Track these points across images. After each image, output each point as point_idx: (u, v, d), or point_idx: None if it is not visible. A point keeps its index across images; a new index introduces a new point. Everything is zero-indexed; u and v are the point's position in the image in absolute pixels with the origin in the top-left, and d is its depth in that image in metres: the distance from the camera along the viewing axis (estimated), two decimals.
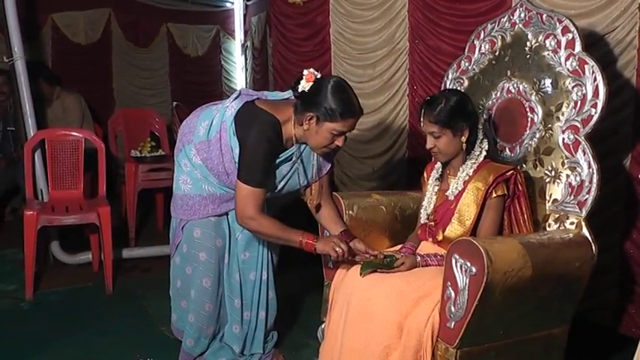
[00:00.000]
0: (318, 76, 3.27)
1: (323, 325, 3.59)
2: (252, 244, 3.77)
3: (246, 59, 9.51)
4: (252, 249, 3.77)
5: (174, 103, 8.65)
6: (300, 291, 4.98)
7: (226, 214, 3.70)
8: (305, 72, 3.26)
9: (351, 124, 3.28)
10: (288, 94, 3.53)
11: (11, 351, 4.12)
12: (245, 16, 9.34)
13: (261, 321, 3.88)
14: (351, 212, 3.63)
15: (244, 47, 9.51)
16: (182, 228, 3.65)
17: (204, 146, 3.51)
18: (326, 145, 3.33)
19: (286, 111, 3.37)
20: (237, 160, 3.36)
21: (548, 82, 3.34)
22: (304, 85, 3.24)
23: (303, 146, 3.49)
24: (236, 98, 3.51)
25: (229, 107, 3.46)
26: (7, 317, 4.72)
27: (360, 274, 3.12)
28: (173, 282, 3.86)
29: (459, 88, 3.87)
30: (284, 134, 3.37)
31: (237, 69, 9.93)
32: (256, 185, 3.30)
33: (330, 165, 3.66)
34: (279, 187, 3.53)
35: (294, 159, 3.47)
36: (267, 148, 3.31)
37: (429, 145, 3.27)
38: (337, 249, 3.20)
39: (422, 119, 3.26)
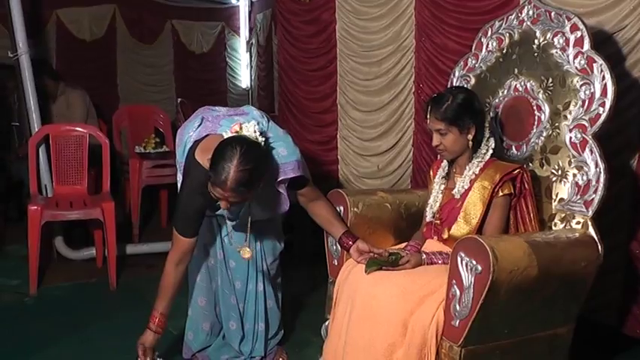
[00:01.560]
0: (247, 132, 3.11)
1: (327, 323, 3.58)
2: (236, 253, 3.73)
3: (251, 56, 9.51)
4: (237, 258, 3.71)
5: (179, 99, 8.65)
6: (304, 288, 4.97)
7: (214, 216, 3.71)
8: (242, 122, 3.18)
9: (220, 193, 3.00)
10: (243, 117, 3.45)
11: (15, 346, 4.13)
12: (250, 13, 9.33)
13: (260, 332, 3.90)
14: (356, 210, 3.61)
15: (249, 44, 9.50)
16: None
17: (180, 165, 3.54)
18: (215, 201, 3.20)
19: None
20: None
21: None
22: (227, 134, 3.14)
23: None
24: (197, 128, 3.48)
25: (191, 139, 3.45)
26: (11, 312, 4.74)
27: (365, 272, 3.12)
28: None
29: (465, 86, 3.85)
30: None
31: (242, 66, 9.94)
32: (184, 235, 3.33)
33: (286, 203, 3.50)
34: (240, 214, 3.54)
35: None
36: (198, 203, 3.30)
37: (435, 143, 3.26)
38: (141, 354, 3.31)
39: (428, 116, 3.24)
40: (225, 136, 3.10)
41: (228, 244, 3.76)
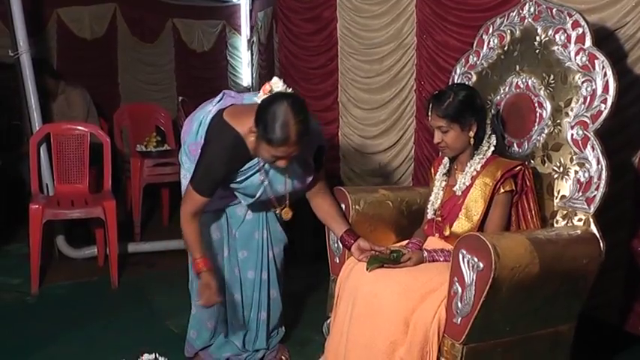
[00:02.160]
0: (278, 88, 3.16)
1: (329, 321, 3.57)
2: (249, 242, 3.77)
3: (252, 55, 9.51)
4: (250, 247, 3.78)
5: (180, 98, 8.63)
6: (305, 286, 4.97)
7: (224, 209, 3.71)
8: (270, 81, 3.20)
9: (284, 151, 3.06)
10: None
11: (16, 345, 4.13)
12: (251, 11, 9.33)
13: (262, 321, 3.89)
14: (357, 207, 3.61)
15: (250, 42, 9.50)
16: None
17: (194, 148, 3.53)
18: (270, 162, 3.24)
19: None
20: None
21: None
22: (260, 97, 3.16)
23: None
24: (218, 102, 3.53)
25: (211, 112, 3.48)
26: (13, 311, 4.74)
27: (367, 269, 3.12)
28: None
29: (466, 83, 3.85)
30: (248, 146, 3.27)
31: (243, 64, 9.96)
32: (201, 193, 3.32)
33: (311, 175, 3.55)
34: (258, 194, 3.49)
35: (260, 168, 3.39)
36: (224, 166, 3.30)
37: (436, 140, 3.25)
38: (209, 292, 3.32)
39: (429, 113, 3.24)
40: (259, 100, 3.14)
41: (236, 236, 3.77)
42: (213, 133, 3.34)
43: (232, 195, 3.58)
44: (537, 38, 3.44)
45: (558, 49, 3.31)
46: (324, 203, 3.59)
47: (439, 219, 3.33)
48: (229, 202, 3.64)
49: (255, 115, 3.08)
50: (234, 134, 3.23)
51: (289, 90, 3.21)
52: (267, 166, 3.36)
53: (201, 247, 3.42)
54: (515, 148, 3.56)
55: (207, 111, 3.51)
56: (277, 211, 3.63)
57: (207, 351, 3.87)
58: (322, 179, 3.62)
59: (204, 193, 3.31)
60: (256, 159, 3.33)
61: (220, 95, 3.58)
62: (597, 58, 3.10)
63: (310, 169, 3.50)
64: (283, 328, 4.07)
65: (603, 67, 3.07)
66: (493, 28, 3.74)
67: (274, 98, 3.07)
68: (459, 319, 2.76)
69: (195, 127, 3.54)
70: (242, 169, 3.35)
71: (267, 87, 3.14)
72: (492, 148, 3.26)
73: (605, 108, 3.04)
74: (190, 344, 3.86)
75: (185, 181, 3.61)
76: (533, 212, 3.20)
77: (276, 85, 3.15)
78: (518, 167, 3.16)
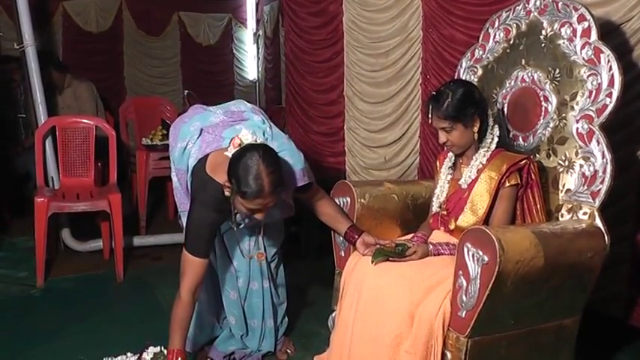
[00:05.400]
0: (247, 140, 3.07)
1: (334, 314, 3.58)
2: (238, 253, 3.77)
3: (258, 48, 9.50)
4: (238, 255, 3.78)
5: (186, 91, 8.63)
6: (311, 279, 4.97)
7: None
8: (237, 135, 3.10)
9: (259, 204, 2.99)
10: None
11: (22, 337, 4.14)
12: (257, 4, 9.32)
13: (269, 329, 3.91)
14: (362, 201, 3.61)
15: (256, 36, 9.50)
16: None
17: (177, 169, 3.53)
18: (247, 216, 3.21)
19: None
20: None
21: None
22: (230, 150, 3.07)
23: None
24: (197, 139, 3.43)
25: (191, 151, 3.40)
26: (18, 304, 4.75)
27: (372, 262, 3.12)
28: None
29: (472, 77, 3.86)
30: None
31: (249, 58, 9.95)
32: (196, 255, 3.22)
33: (292, 212, 3.58)
34: (244, 223, 3.50)
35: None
36: (213, 220, 3.24)
37: (441, 140, 3.25)
38: None
39: (430, 115, 3.23)
40: (229, 154, 3.05)
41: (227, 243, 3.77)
42: (197, 188, 3.28)
43: None
44: (543, 32, 3.44)
45: (564, 42, 3.30)
46: (324, 208, 3.59)
47: (444, 212, 3.33)
48: None
49: (228, 170, 3.02)
50: (219, 189, 3.12)
51: (259, 141, 3.13)
52: None
53: (184, 338, 3.26)
54: (521, 141, 3.55)
55: (188, 146, 3.43)
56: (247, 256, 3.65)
57: (213, 346, 3.87)
58: (317, 190, 3.58)
59: (201, 254, 3.22)
60: None
61: (198, 132, 3.44)
62: (603, 52, 3.09)
63: (289, 207, 3.50)
64: (287, 318, 4.07)
65: (609, 61, 3.06)
66: (499, 21, 3.73)
67: (244, 150, 2.98)
68: (464, 313, 2.76)
69: (180, 149, 3.47)
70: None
71: (236, 140, 3.05)
72: (496, 140, 3.26)
73: (610, 102, 3.04)
74: (193, 341, 3.84)
75: (174, 177, 3.63)
76: (538, 206, 3.20)
77: (246, 137, 3.06)
78: (524, 161, 3.16)
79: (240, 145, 3.03)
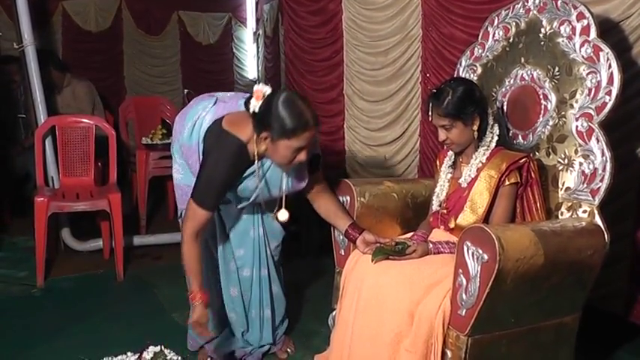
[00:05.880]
0: (268, 92, 3.11)
1: (334, 313, 3.58)
2: (244, 240, 3.77)
3: (258, 47, 9.48)
4: (245, 245, 3.77)
5: (186, 90, 8.61)
6: (311, 278, 4.98)
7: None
8: (254, 88, 3.12)
9: (307, 138, 3.08)
10: None
11: (22, 337, 4.15)
12: (257, 3, 9.30)
13: (267, 319, 3.90)
14: (362, 199, 3.61)
15: (256, 35, 9.48)
16: None
17: (186, 149, 3.52)
18: (287, 163, 3.20)
19: (249, 129, 3.22)
20: None
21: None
22: (254, 105, 3.09)
23: (267, 162, 3.37)
24: (212, 107, 3.49)
25: (205, 118, 3.44)
26: (19, 304, 4.76)
27: (372, 261, 3.12)
28: None
29: (472, 76, 3.86)
30: (250, 152, 3.25)
31: (249, 57, 9.94)
32: (205, 207, 3.24)
33: (305, 178, 3.54)
34: (252, 198, 3.47)
35: (257, 174, 3.35)
36: (227, 174, 3.25)
37: (441, 138, 3.25)
38: (200, 329, 3.33)
39: (430, 113, 3.24)
40: (257, 108, 3.11)
41: (230, 235, 3.76)
42: (213, 143, 3.30)
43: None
44: (542, 30, 3.44)
45: (563, 40, 3.31)
46: (325, 202, 3.60)
47: (444, 211, 3.33)
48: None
49: (261, 121, 3.08)
50: (237, 142, 3.20)
51: None
52: (263, 169, 3.35)
53: (201, 276, 3.34)
54: (520, 140, 3.56)
55: (201, 116, 3.47)
56: (272, 216, 3.61)
57: (214, 343, 3.86)
58: (322, 181, 3.62)
59: (208, 206, 3.24)
60: (251, 167, 3.32)
61: (213, 101, 3.54)
62: (602, 50, 3.09)
63: (304, 172, 3.49)
64: (287, 319, 4.06)
65: (608, 58, 3.06)
66: (498, 20, 3.74)
67: (272, 96, 3.06)
68: (464, 311, 2.76)
69: (189, 128, 3.49)
70: (242, 175, 3.33)
71: (259, 92, 3.09)
72: (496, 138, 3.27)
73: (609, 100, 3.04)
74: (194, 339, 3.85)
75: (178, 175, 3.65)
76: (538, 204, 3.20)
77: (265, 89, 3.10)
78: (523, 159, 3.16)
79: (264, 95, 3.08)
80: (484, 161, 3.22)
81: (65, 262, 5.62)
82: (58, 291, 5.01)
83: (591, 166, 3.10)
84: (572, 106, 3.24)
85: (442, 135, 3.24)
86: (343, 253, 3.64)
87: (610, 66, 3.05)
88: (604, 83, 3.07)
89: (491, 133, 3.27)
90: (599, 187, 3.05)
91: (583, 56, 3.19)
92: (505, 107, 3.65)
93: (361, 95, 5.98)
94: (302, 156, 3.13)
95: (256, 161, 3.26)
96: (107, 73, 9.10)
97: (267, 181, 3.41)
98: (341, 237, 3.63)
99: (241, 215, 3.73)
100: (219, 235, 3.73)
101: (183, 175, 3.62)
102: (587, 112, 3.14)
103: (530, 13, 3.53)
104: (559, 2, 3.34)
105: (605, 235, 3.01)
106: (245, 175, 3.33)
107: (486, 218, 3.17)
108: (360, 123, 6.06)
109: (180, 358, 3.17)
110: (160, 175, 6.53)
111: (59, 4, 8.67)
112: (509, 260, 2.63)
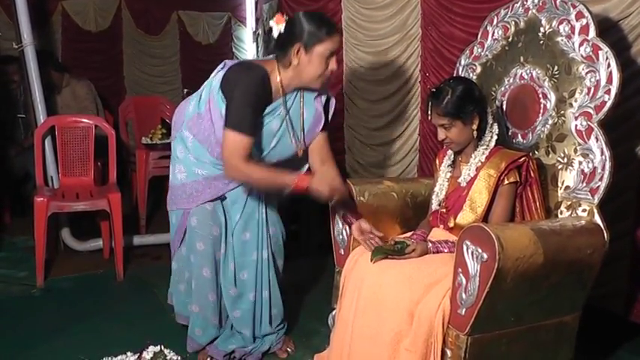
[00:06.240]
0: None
1: (334, 312, 3.58)
2: (251, 222, 3.77)
3: (257, 47, 9.48)
4: (251, 227, 3.78)
5: (185, 90, 8.60)
6: (310, 278, 4.98)
7: (221, 199, 3.70)
8: (274, 16, 3.32)
9: (338, 40, 3.34)
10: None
11: (22, 337, 4.14)
12: (257, 3, 9.29)
13: (265, 300, 3.89)
14: (362, 198, 3.61)
15: (256, 35, 9.48)
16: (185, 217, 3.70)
17: (195, 120, 3.56)
18: (322, 73, 3.33)
19: (270, 64, 3.40)
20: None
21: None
22: (278, 28, 3.29)
23: (289, 98, 3.50)
24: (222, 69, 3.54)
25: (216, 77, 3.52)
26: (18, 304, 4.75)
27: (371, 260, 3.13)
28: (180, 274, 3.94)
29: (471, 75, 3.87)
30: (272, 86, 3.38)
31: (249, 56, 9.90)
32: (243, 131, 3.29)
33: (322, 122, 3.63)
34: (272, 145, 3.52)
35: (281, 112, 3.46)
36: (255, 99, 3.33)
37: (440, 137, 3.26)
38: (332, 190, 3.28)
39: (430, 112, 3.25)
40: (281, 29, 3.33)
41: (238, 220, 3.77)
42: (238, 76, 3.38)
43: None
44: (541, 29, 3.44)
45: (562, 39, 3.31)
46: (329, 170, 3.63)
47: (444, 210, 3.34)
48: (230, 187, 3.65)
49: (289, 37, 3.28)
50: (260, 72, 3.35)
51: None
52: (287, 106, 3.48)
53: (282, 173, 3.39)
54: (520, 139, 3.56)
55: (211, 79, 3.58)
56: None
57: (213, 345, 3.86)
58: (326, 144, 3.68)
59: (246, 130, 3.30)
60: (274, 103, 3.44)
61: (222, 64, 3.60)
62: (601, 49, 3.09)
63: (320, 116, 3.60)
64: (286, 322, 4.05)
65: (607, 57, 3.06)
66: (497, 19, 3.74)
67: (298, 13, 3.29)
68: (464, 310, 2.76)
69: (194, 104, 3.61)
70: (264, 113, 3.42)
71: (279, 17, 3.31)
72: (495, 137, 3.27)
73: (608, 99, 3.04)
74: (195, 341, 3.84)
75: (180, 174, 3.67)
76: (537, 203, 3.21)
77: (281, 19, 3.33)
78: (523, 158, 3.16)
79: (285, 19, 3.32)
80: (483, 160, 3.22)
81: (65, 262, 5.61)
82: (57, 291, 5.00)
83: (590, 165, 3.10)
84: (571, 105, 3.24)
85: (441, 134, 3.24)
86: (343, 253, 3.64)
87: (609, 65, 3.05)
88: (603, 82, 3.07)
89: (491, 132, 3.27)
90: (599, 186, 3.05)
91: (582, 55, 3.19)
92: (504, 106, 3.65)
93: (361, 94, 5.98)
94: (333, 63, 3.30)
95: (281, 95, 3.43)
96: (107, 73, 9.09)
97: (289, 119, 3.51)
98: (340, 236, 3.64)
99: (248, 201, 3.73)
100: (224, 235, 3.73)
101: (187, 173, 3.64)
102: (587, 111, 3.14)
103: (530, 12, 3.53)
104: (558, 1, 3.35)
105: (605, 234, 3.01)
106: (268, 111, 3.43)
107: (486, 217, 3.17)
108: (359, 122, 6.06)
109: (180, 358, 3.17)
110: (160, 174, 6.49)
111: (59, 3, 8.67)
112: (509, 259, 2.63)
